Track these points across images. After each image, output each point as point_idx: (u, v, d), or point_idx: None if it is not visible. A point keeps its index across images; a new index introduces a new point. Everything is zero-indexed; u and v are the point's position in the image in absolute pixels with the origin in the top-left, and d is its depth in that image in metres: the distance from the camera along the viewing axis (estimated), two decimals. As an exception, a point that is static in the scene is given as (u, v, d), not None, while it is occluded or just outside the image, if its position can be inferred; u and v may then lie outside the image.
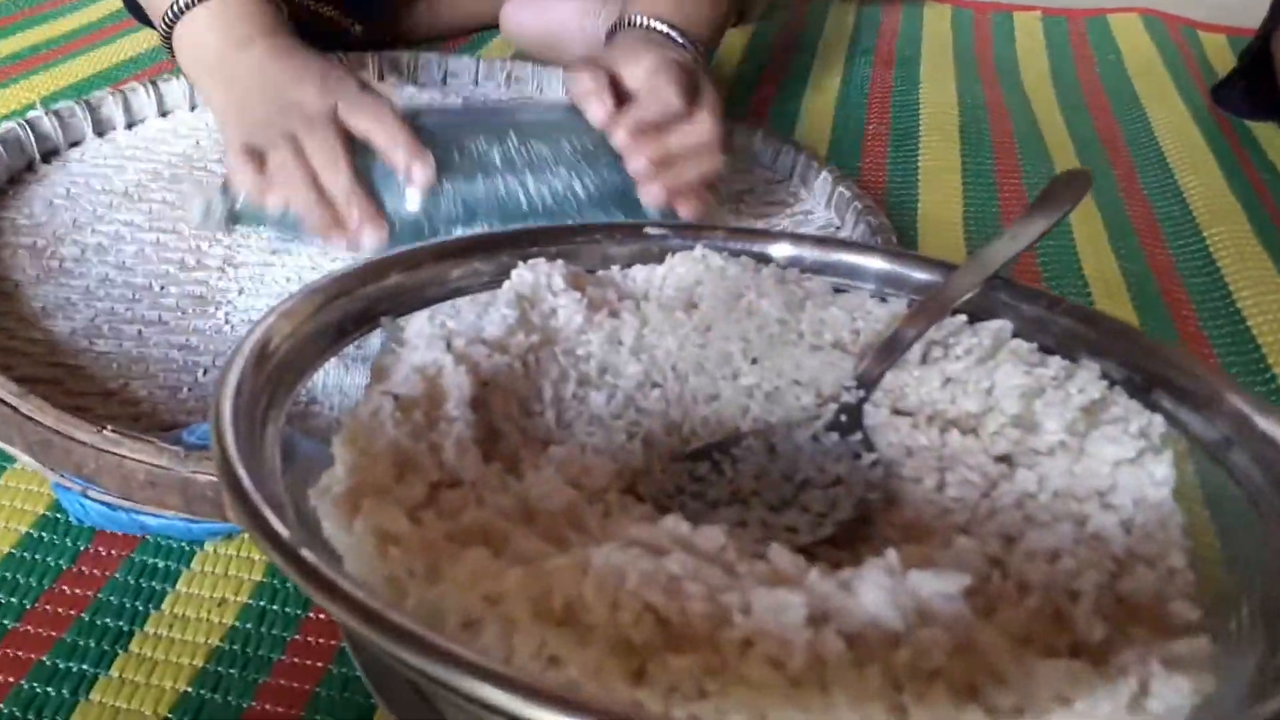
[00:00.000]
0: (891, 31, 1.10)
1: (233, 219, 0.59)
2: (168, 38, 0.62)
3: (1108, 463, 0.33)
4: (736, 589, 0.24)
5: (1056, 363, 0.37)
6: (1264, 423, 0.32)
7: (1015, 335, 0.40)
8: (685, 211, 0.57)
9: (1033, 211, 0.45)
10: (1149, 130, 0.90)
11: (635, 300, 0.40)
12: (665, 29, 0.66)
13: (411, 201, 0.55)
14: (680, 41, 0.65)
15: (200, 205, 0.59)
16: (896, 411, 0.38)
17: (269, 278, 0.59)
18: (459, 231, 0.56)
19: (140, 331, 0.56)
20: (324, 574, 0.21)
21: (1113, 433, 0.33)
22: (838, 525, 0.33)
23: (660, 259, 0.43)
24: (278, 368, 0.31)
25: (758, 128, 0.80)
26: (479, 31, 1.00)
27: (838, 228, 0.71)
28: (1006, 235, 0.45)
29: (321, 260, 0.60)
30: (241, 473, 0.24)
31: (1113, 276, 0.69)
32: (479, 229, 0.57)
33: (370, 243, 0.54)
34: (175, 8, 0.59)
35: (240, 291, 0.59)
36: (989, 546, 0.31)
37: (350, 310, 0.36)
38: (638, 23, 0.66)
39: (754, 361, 0.40)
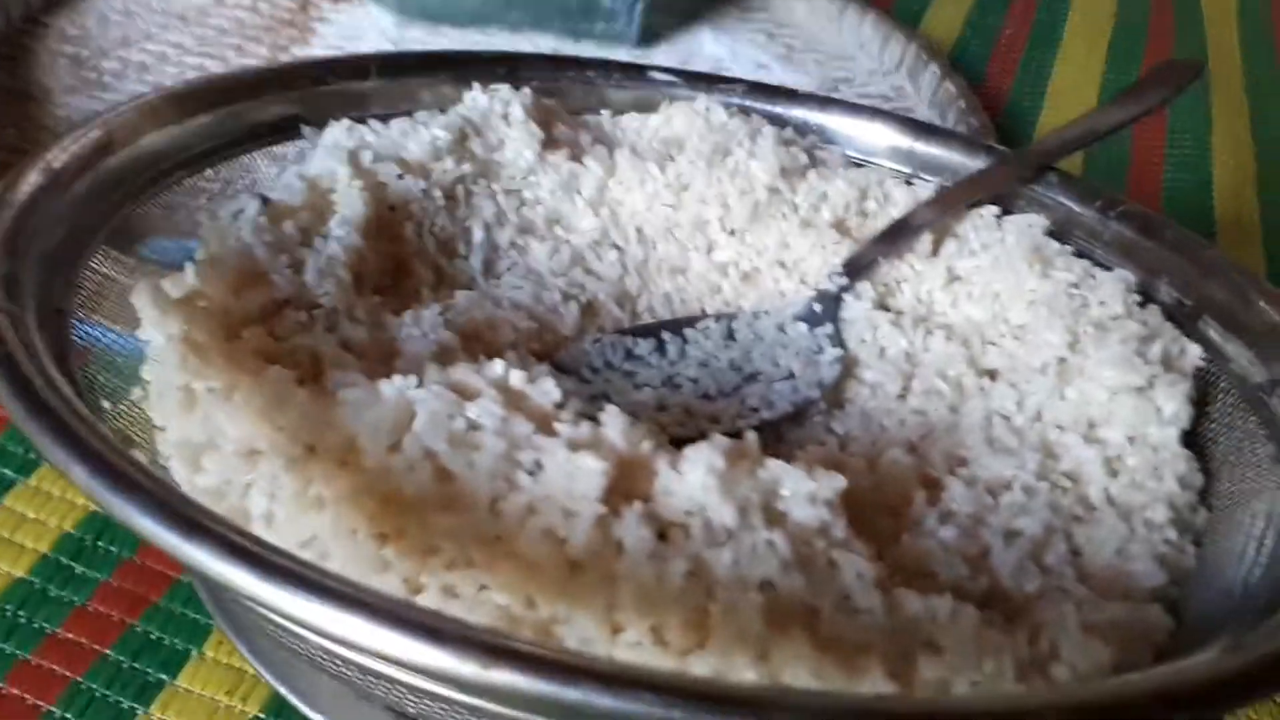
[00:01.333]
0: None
1: None
2: None
3: (1106, 389, 0.27)
4: (539, 449, 0.20)
5: (1083, 267, 0.31)
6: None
7: (1055, 235, 0.33)
8: None
9: (1119, 99, 0.38)
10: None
11: (609, 148, 0.36)
12: None
13: None
14: None
15: None
16: (883, 308, 0.33)
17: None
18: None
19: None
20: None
21: (1122, 354, 0.27)
22: (762, 424, 0.29)
23: (655, 109, 0.38)
24: (140, 162, 0.28)
25: (869, 10, 0.72)
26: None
27: (935, 130, 0.64)
28: (1078, 123, 0.38)
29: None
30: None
31: (1249, 223, 0.60)
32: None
33: None
34: None
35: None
36: (930, 467, 0.26)
37: (272, 113, 0.33)
38: None
39: (732, 233, 0.35)
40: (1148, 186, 0.64)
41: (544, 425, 0.21)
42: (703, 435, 0.27)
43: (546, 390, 0.22)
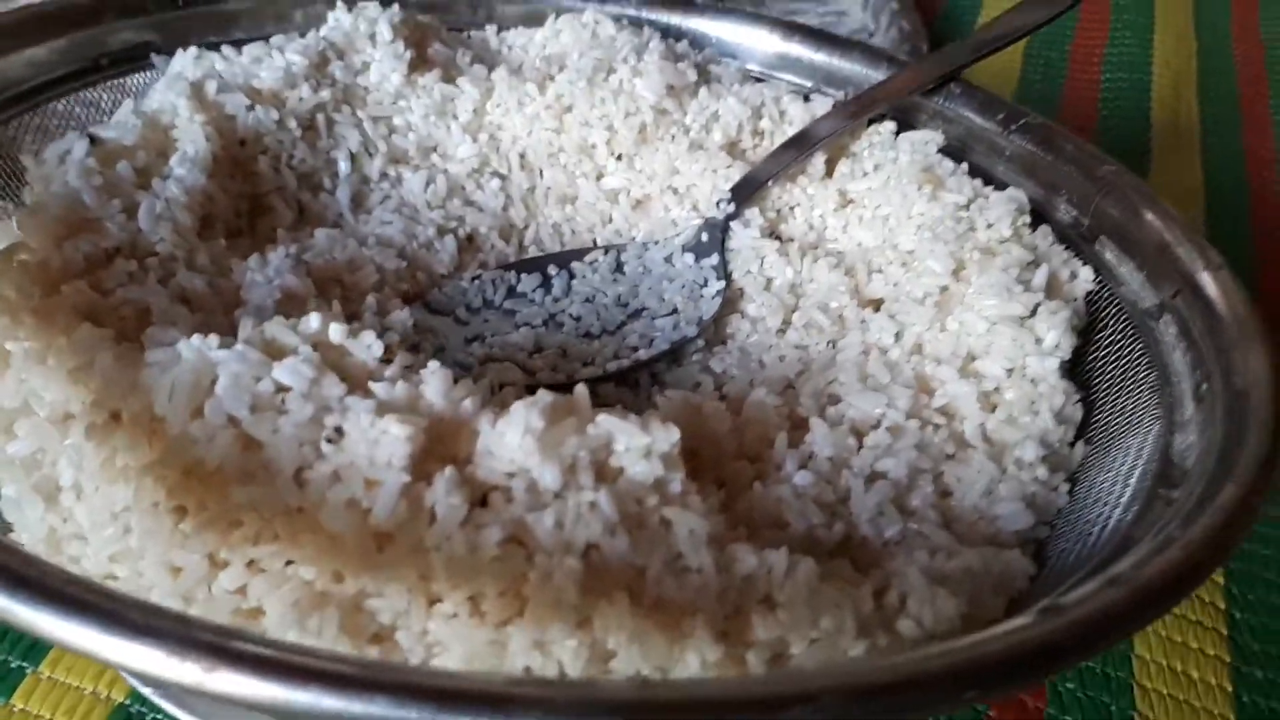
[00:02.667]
0: None
1: None
2: None
3: (986, 319, 0.25)
4: (346, 413, 0.19)
5: (973, 187, 0.29)
6: (1214, 285, 0.24)
7: (952, 153, 0.32)
8: None
9: (1026, 3, 0.36)
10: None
11: (488, 67, 0.34)
12: None
13: None
14: None
15: None
16: (773, 235, 0.31)
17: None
18: None
19: None
20: None
21: (1002, 281, 0.26)
22: (634, 365, 0.28)
23: (542, 22, 0.36)
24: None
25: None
26: None
27: (871, 34, 0.62)
28: (993, 24, 0.36)
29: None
30: None
31: (1187, 126, 0.59)
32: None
33: None
34: None
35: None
36: (799, 406, 0.25)
37: (121, 41, 0.30)
38: None
39: (619, 158, 0.33)
40: (1084, 90, 0.62)
41: (360, 385, 0.20)
42: (570, 379, 0.27)
43: (368, 344, 0.21)
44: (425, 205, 0.32)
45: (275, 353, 0.20)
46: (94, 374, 0.20)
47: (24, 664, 0.27)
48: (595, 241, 0.34)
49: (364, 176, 0.32)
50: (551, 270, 0.32)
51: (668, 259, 0.31)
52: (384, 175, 0.32)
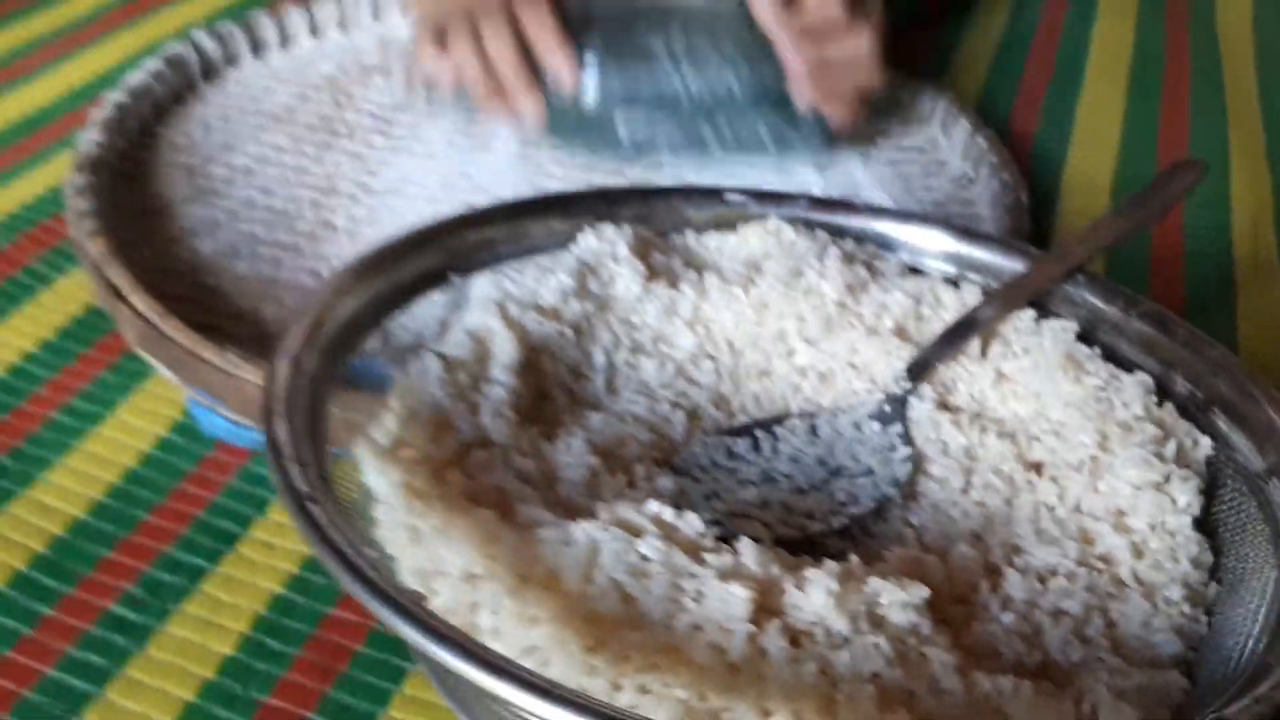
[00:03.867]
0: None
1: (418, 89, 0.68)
2: None
3: (1131, 484, 0.33)
4: (696, 577, 0.27)
5: (1107, 370, 0.38)
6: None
7: (1084, 334, 0.40)
8: (834, 116, 0.62)
9: (1132, 203, 0.45)
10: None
11: (698, 270, 0.43)
12: None
13: (571, 86, 0.61)
14: None
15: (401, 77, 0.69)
16: (943, 406, 0.39)
17: (398, 209, 0.65)
18: (618, 116, 0.62)
19: (275, 256, 0.62)
20: (321, 529, 0.26)
21: (1141, 455, 0.34)
22: (850, 519, 0.36)
23: (734, 227, 0.45)
24: (346, 326, 0.36)
25: (901, 67, 0.79)
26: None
27: (971, 180, 0.70)
28: (1094, 226, 0.44)
29: (448, 192, 0.64)
30: (280, 435, 0.29)
31: (1266, 260, 0.66)
32: (637, 115, 0.61)
33: (528, 111, 0.62)
34: None
35: (370, 223, 0.64)
36: (991, 555, 0.33)
37: (425, 266, 0.40)
38: None
39: (809, 342, 0.42)
40: (1170, 227, 0.70)
41: (693, 552, 0.28)
42: (804, 533, 0.35)
43: (691, 523, 0.29)
44: (659, 385, 0.41)
45: (632, 530, 0.29)
46: (501, 547, 0.29)
47: None
48: (789, 408, 0.42)
49: (612, 365, 0.41)
50: (759, 434, 0.40)
51: (856, 426, 0.40)
52: (626, 363, 0.41)
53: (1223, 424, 0.36)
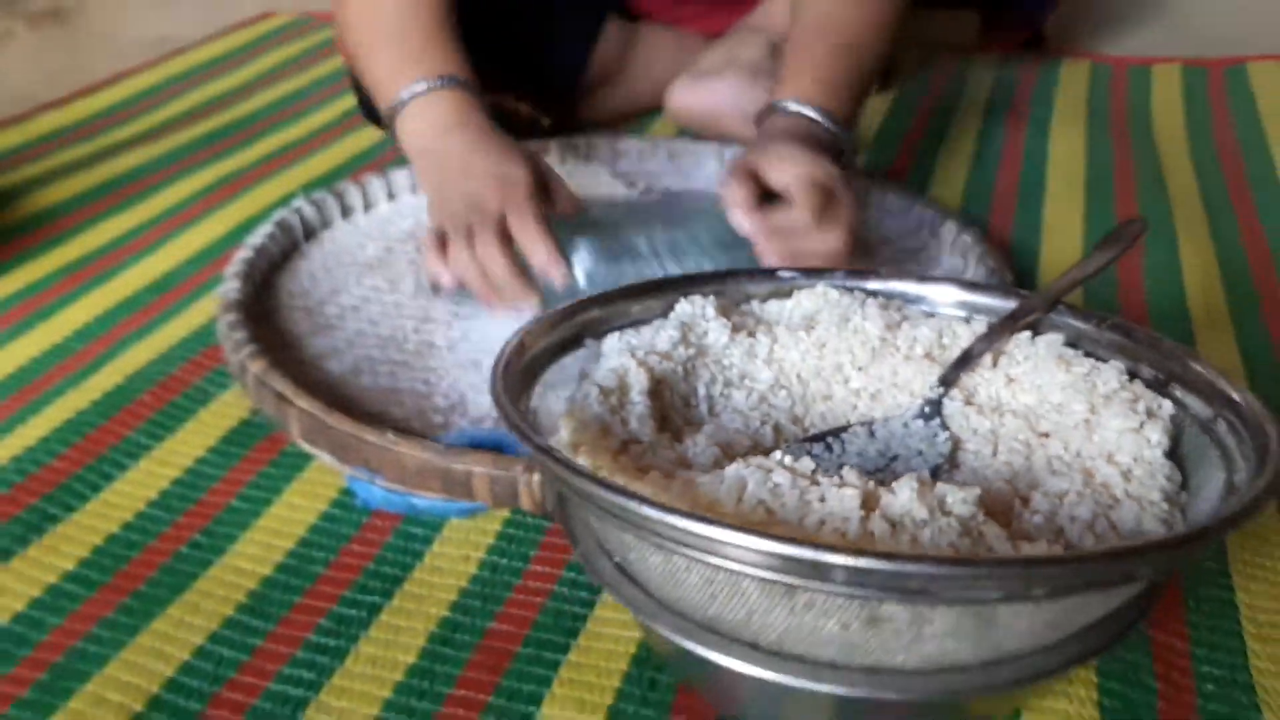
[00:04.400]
0: (1028, 89, 1.22)
1: (434, 288, 0.79)
2: (391, 126, 0.83)
3: (1115, 430, 0.46)
4: (818, 487, 0.39)
5: (1089, 363, 0.50)
6: (1241, 399, 0.45)
7: (1068, 344, 0.53)
8: None
9: (1094, 252, 0.59)
10: (1274, 174, 0.99)
11: (769, 325, 0.56)
12: (812, 114, 0.79)
13: (559, 280, 0.72)
14: (825, 124, 0.79)
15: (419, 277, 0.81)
16: (969, 403, 0.52)
17: (483, 327, 0.78)
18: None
19: (392, 371, 0.75)
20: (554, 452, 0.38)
21: (1121, 409, 0.46)
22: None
23: (789, 295, 0.59)
24: (523, 369, 0.48)
25: (895, 183, 0.95)
26: (647, 113, 1.19)
27: (962, 270, 0.84)
28: (1069, 272, 0.58)
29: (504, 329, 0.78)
30: (516, 419, 0.41)
31: (1217, 309, 0.80)
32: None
33: (521, 303, 0.72)
34: (397, 102, 0.80)
35: (464, 339, 0.78)
36: (1019, 489, 0.45)
37: (566, 334, 0.53)
38: (787, 109, 0.80)
39: (860, 369, 0.54)
40: (1134, 295, 0.84)
41: (810, 479, 0.40)
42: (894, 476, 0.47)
43: (805, 464, 0.42)
44: (747, 409, 0.53)
45: (765, 470, 0.41)
46: (672, 492, 0.41)
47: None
48: (849, 421, 0.54)
49: (710, 396, 0.54)
50: (830, 440, 0.52)
51: (905, 425, 0.52)
52: (721, 394, 0.54)
53: (1179, 391, 0.48)
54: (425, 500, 0.61)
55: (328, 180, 1.06)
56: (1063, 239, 0.92)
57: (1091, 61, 1.31)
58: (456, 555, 0.60)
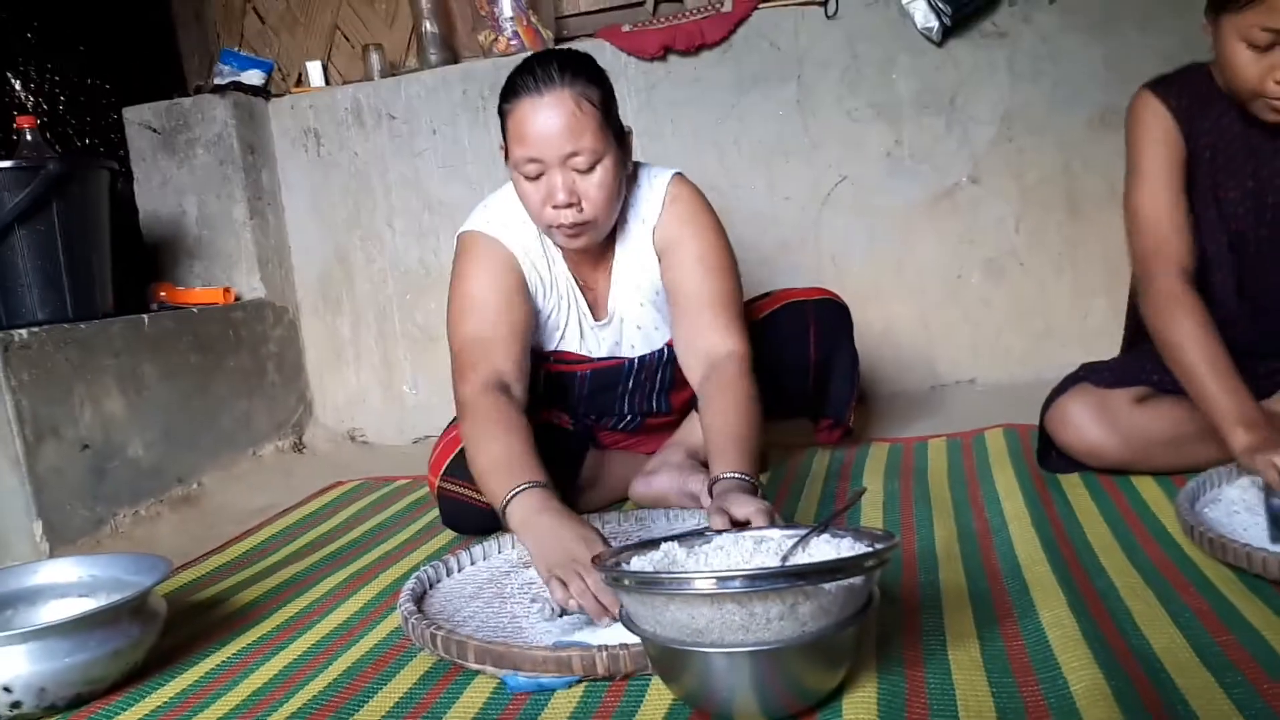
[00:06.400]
0: (850, 463, 1.99)
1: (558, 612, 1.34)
2: (502, 514, 1.50)
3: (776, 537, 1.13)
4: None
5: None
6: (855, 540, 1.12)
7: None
8: None
9: (846, 502, 1.29)
10: (997, 498, 1.70)
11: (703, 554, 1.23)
12: (740, 477, 1.37)
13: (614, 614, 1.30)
14: (749, 481, 1.37)
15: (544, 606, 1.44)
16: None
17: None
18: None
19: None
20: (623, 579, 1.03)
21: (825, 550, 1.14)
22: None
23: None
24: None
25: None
26: (619, 501, 1.91)
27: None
28: (833, 515, 1.27)
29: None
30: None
31: (953, 565, 1.48)
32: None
33: (605, 622, 1.26)
34: (507, 498, 1.48)
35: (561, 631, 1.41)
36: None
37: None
38: (729, 477, 1.37)
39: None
40: (909, 565, 1.52)
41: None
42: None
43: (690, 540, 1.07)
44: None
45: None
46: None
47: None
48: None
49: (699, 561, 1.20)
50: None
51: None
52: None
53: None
54: (547, 679, 1.22)
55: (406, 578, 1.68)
56: (871, 523, 1.61)
57: (889, 443, 2.09)
58: (565, 707, 1.18)
